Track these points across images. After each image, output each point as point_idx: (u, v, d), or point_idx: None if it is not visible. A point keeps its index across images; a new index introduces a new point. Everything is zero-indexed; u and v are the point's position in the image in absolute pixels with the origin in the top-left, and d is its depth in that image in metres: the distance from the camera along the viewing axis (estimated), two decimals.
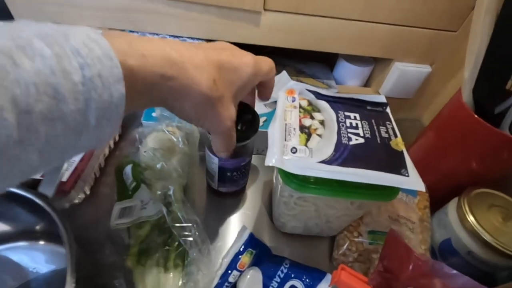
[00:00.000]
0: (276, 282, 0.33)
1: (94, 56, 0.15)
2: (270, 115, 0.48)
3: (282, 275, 0.34)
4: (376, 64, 0.58)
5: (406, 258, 0.25)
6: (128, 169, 0.36)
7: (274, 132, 0.29)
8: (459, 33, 0.48)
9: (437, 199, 0.43)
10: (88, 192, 0.40)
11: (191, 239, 0.26)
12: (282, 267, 0.35)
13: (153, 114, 0.45)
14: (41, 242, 0.34)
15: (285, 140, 0.29)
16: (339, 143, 0.29)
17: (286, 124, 0.30)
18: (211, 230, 0.40)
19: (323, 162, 0.27)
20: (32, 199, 0.29)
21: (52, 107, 0.14)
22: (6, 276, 0.33)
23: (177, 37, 0.48)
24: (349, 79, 0.60)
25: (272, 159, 0.27)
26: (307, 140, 0.29)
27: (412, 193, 0.42)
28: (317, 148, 0.28)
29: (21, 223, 0.33)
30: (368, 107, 0.34)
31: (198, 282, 0.30)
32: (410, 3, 0.44)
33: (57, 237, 0.27)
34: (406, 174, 0.28)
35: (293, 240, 0.41)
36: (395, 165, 0.28)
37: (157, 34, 0.48)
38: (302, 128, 0.30)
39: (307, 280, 0.34)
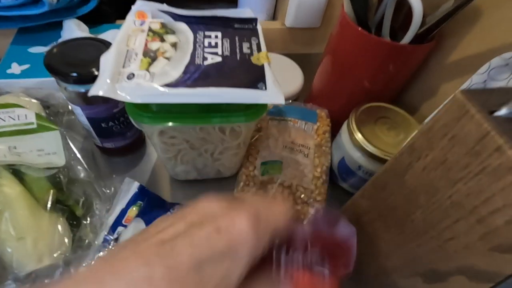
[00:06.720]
0: None
1: None
2: None
3: None
4: None
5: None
6: None
7: (107, 59, 0.24)
8: None
9: (340, 124, 0.42)
10: None
11: None
12: (169, 212, 0.33)
13: (8, 71, 0.38)
14: None
15: (123, 67, 0.24)
16: (190, 64, 0.25)
17: (127, 51, 0.26)
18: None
19: (167, 85, 0.24)
20: None
21: None
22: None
23: None
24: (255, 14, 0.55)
25: (99, 90, 0.22)
26: (150, 64, 0.25)
27: (312, 119, 0.41)
28: (161, 72, 0.24)
29: None
30: (236, 25, 0.31)
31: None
32: None
33: None
34: (264, 88, 0.25)
35: (191, 186, 0.38)
36: (253, 80, 0.25)
37: None
38: (147, 52, 0.26)
39: None
